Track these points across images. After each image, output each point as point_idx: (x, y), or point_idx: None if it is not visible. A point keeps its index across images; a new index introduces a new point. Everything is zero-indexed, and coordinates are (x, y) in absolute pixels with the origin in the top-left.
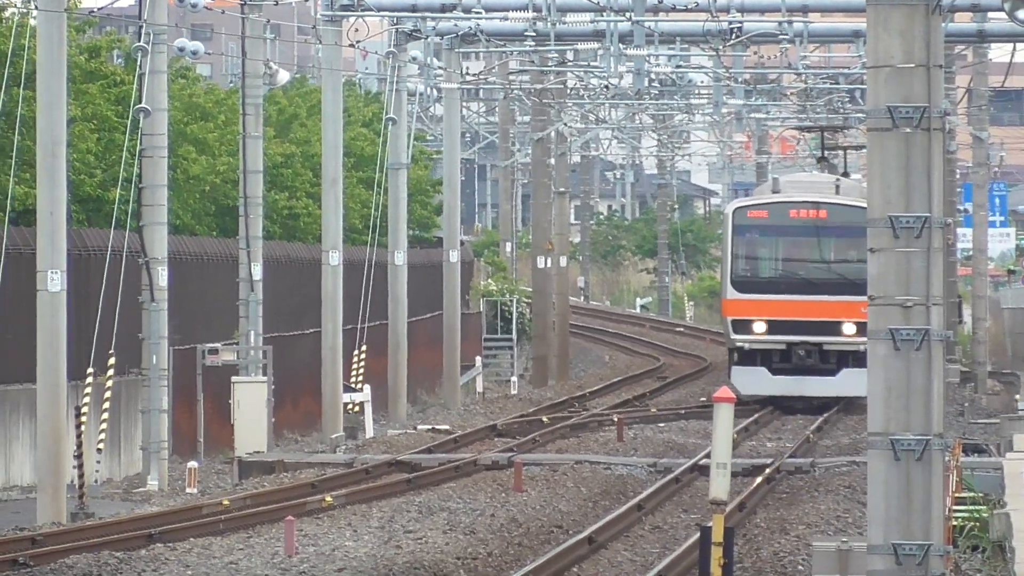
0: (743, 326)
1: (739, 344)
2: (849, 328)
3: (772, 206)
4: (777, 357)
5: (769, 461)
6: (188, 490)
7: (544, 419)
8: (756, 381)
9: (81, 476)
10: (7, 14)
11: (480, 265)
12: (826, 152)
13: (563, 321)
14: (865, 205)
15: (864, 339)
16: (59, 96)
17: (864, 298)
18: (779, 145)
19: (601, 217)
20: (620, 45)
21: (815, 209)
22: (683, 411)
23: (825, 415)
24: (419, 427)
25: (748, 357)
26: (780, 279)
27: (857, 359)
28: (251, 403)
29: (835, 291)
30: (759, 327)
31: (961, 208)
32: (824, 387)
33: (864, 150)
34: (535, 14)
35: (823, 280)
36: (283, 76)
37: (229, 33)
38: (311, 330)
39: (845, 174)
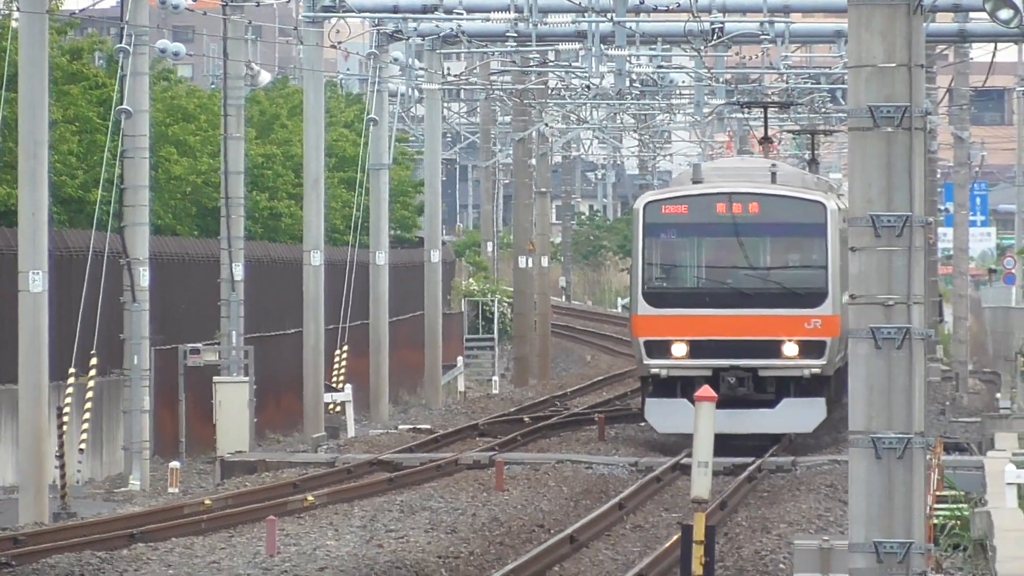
0: (658, 348)
1: (654, 371)
2: (790, 348)
3: (692, 199)
4: (702, 386)
5: (751, 460)
6: (170, 490)
7: (525, 419)
8: (676, 416)
9: (63, 476)
10: None
11: (462, 265)
12: (769, 133)
13: (544, 321)
14: (809, 196)
15: (811, 362)
16: (41, 98)
17: (809, 311)
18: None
19: (583, 217)
20: (602, 46)
21: (746, 202)
22: None
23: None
24: (401, 427)
25: (665, 387)
26: (704, 290)
27: (801, 387)
28: (233, 403)
29: (773, 303)
30: (678, 349)
31: (942, 207)
32: (760, 422)
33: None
34: (516, 15)
35: (758, 290)
36: (265, 77)
37: (211, 34)
38: (293, 330)
39: (813, 161)
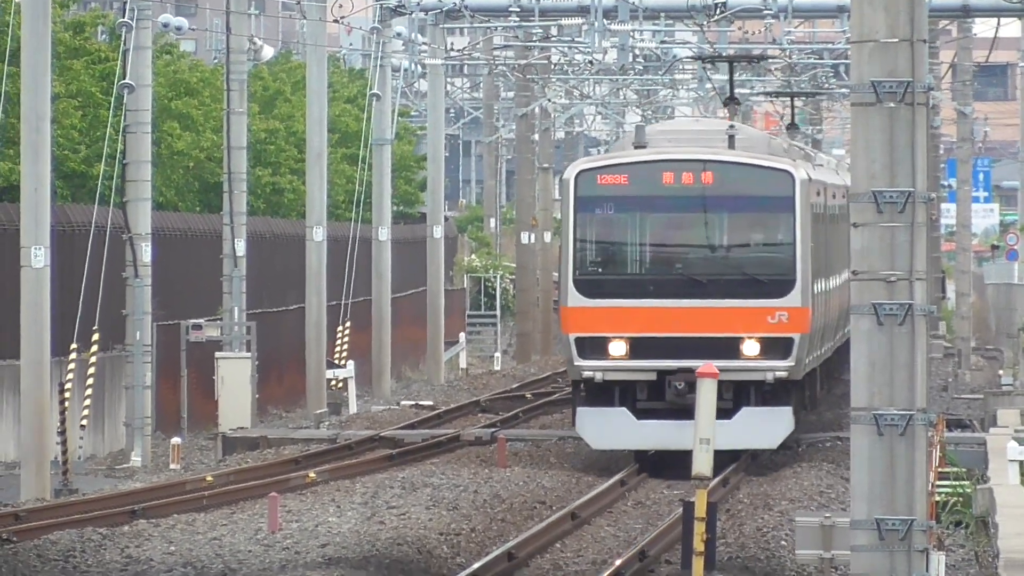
0: (593, 347)
1: (587, 374)
2: (751, 347)
3: (634, 168)
4: (644, 392)
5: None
6: (172, 466)
7: (528, 395)
8: (613, 428)
9: (65, 452)
10: None
11: (464, 241)
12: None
13: (547, 297)
14: (774, 164)
15: (775, 363)
16: (43, 72)
17: (774, 302)
18: (763, 120)
19: None
20: (604, 20)
21: (697, 171)
22: None
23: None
24: (403, 403)
25: (601, 393)
26: (647, 277)
27: (764, 393)
28: (235, 379)
29: (730, 293)
30: (617, 348)
31: (945, 183)
32: (715, 435)
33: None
34: None
35: (711, 277)
36: (267, 52)
37: (213, 8)
38: (295, 306)
39: (793, 125)
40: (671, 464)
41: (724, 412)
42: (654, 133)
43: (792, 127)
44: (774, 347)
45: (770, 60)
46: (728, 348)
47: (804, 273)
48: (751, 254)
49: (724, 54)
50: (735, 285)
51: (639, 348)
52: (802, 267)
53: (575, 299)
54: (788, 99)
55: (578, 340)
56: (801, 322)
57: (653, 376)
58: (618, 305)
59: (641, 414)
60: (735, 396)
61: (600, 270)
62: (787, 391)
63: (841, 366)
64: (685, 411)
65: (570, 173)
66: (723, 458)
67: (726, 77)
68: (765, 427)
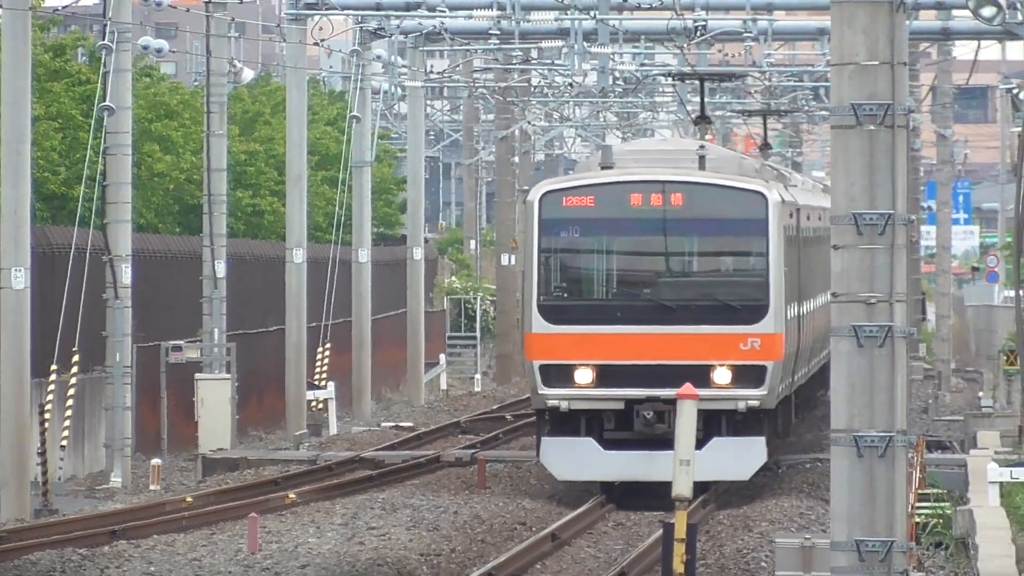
0: (558, 375)
1: (552, 403)
2: (722, 375)
3: (600, 189)
4: (611, 422)
5: None
6: (152, 487)
7: (508, 416)
8: (579, 459)
9: (45, 473)
10: None
11: (444, 263)
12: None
13: None
14: (746, 186)
15: (747, 392)
16: (23, 94)
17: (746, 328)
18: (744, 143)
19: None
20: (584, 43)
21: (667, 192)
22: None
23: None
24: (383, 424)
25: (566, 423)
26: (614, 302)
27: (736, 423)
28: (215, 400)
29: (700, 319)
30: (583, 376)
31: (925, 205)
32: None
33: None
34: (499, 12)
35: (681, 303)
36: (247, 74)
37: (194, 31)
38: (275, 327)
39: (766, 145)
40: (640, 495)
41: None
42: (622, 153)
43: (765, 146)
44: (746, 375)
45: (748, 81)
46: (698, 376)
47: (777, 298)
48: (722, 279)
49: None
50: (706, 311)
51: (606, 376)
52: (775, 292)
53: (539, 325)
54: (764, 119)
55: (542, 368)
56: (774, 349)
57: (621, 405)
58: (584, 332)
59: (608, 444)
60: (705, 426)
61: (565, 295)
62: (760, 420)
63: (818, 389)
64: (654, 441)
65: (534, 195)
66: (695, 486)
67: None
68: (737, 458)
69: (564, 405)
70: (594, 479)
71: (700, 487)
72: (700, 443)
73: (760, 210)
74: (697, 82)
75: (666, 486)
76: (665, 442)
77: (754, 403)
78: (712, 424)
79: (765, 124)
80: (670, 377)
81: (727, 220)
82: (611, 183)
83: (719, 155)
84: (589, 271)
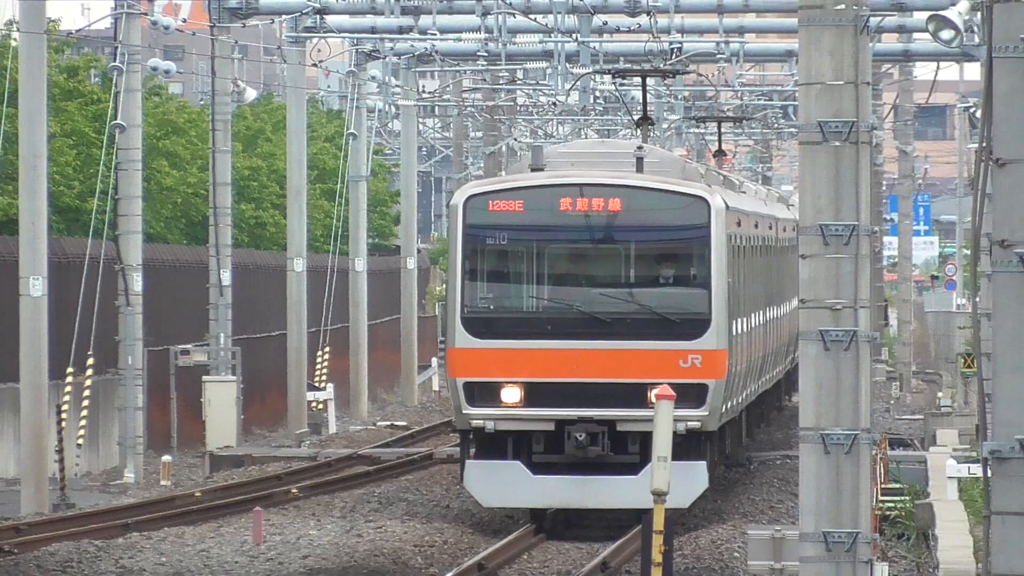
0: (483, 393)
1: (477, 423)
2: None
3: (530, 193)
4: (541, 444)
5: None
6: (162, 482)
7: None
8: (506, 484)
9: (62, 469)
10: None
11: (436, 272)
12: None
13: None
14: (687, 190)
15: (687, 412)
16: (39, 113)
17: (686, 344)
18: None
19: None
20: (567, 64)
21: (604, 196)
22: None
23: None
24: (379, 423)
25: (492, 445)
26: (544, 315)
27: (674, 446)
28: (221, 401)
29: (637, 334)
30: (510, 395)
31: (887, 217)
32: (620, 493)
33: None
34: (487, 35)
35: (616, 316)
36: (250, 94)
37: (200, 53)
38: (277, 332)
39: (720, 152)
40: (572, 524)
41: (629, 467)
42: (554, 155)
43: (720, 153)
44: (686, 394)
45: (720, 99)
46: (634, 395)
47: (720, 312)
48: (661, 290)
49: (629, 65)
50: (643, 325)
51: (535, 395)
52: (718, 305)
53: (463, 339)
54: (718, 126)
55: (466, 385)
56: (717, 367)
57: (551, 426)
58: (511, 347)
59: (537, 468)
60: (642, 449)
61: (491, 307)
62: (701, 443)
63: (773, 405)
64: (587, 465)
65: (458, 198)
66: (632, 514)
67: (680, 117)
68: (675, 484)
69: (490, 425)
70: (522, 505)
71: (638, 514)
72: (635, 468)
73: (702, 216)
74: (680, 104)
75: (600, 513)
76: (598, 466)
77: (694, 424)
78: (649, 447)
79: (720, 131)
80: (604, 396)
81: (666, 227)
82: (540, 186)
83: (660, 158)
84: (517, 281)
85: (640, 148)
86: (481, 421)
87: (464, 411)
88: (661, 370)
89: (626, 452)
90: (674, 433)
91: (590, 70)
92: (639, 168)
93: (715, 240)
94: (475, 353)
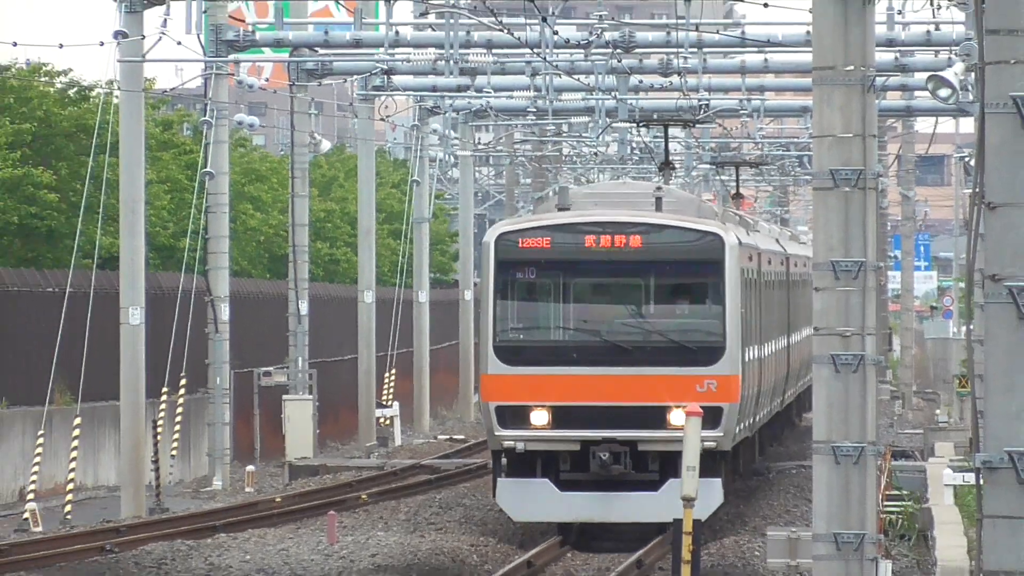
0: (514, 416)
1: (508, 444)
2: (678, 417)
3: (556, 231)
4: (568, 463)
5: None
6: (246, 489)
7: None
8: (535, 500)
9: (157, 478)
10: (94, 93)
11: None
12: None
13: None
14: (702, 227)
15: (704, 433)
16: (138, 162)
17: (702, 370)
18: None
19: None
20: (607, 119)
21: (626, 234)
22: None
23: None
24: (439, 437)
25: (522, 464)
26: (570, 344)
27: None
28: (299, 417)
29: (656, 361)
30: (539, 417)
31: (892, 254)
32: (641, 508)
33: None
34: (536, 93)
35: (637, 344)
36: (325, 145)
37: (280, 109)
38: (349, 356)
39: (737, 194)
40: (597, 537)
41: (650, 484)
42: (579, 195)
43: (737, 196)
44: (703, 417)
45: (706, 124)
46: (654, 418)
47: (734, 340)
48: (678, 320)
49: (656, 116)
50: (662, 352)
51: (562, 417)
52: (732, 333)
53: (495, 366)
54: (736, 170)
55: (498, 409)
56: (730, 391)
57: (576, 446)
58: (540, 373)
59: (564, 485)
60: (661, 467)
61: (521, 336)
62: (716, 462)
63: (785, 426)
64: (610, 483)
65: (490, 236)
66: (653, 527)
67: (708, 163)
68: None
69: (520, 446)
70: (550, 520)
71: (658, 527)
72: (656, 484)
73: (717, 252)
74: (708, 154)
75: (624, 527)
76: (621, 484)
77: (710, 444)
78: (668, 465)
79: (738, 175)
80: (626, 418)
81: (683, 261)
82: (566, 224)
83: (677, 198)
84: (545, 312)
85: (659, 188)
86: (512, 442)
87: (496, 433)
88: (679, 394)
89: (647, 470)
90: None
91: (611, 121)
92: (658, 207)
93: (729, 273)
94: (506, 379)
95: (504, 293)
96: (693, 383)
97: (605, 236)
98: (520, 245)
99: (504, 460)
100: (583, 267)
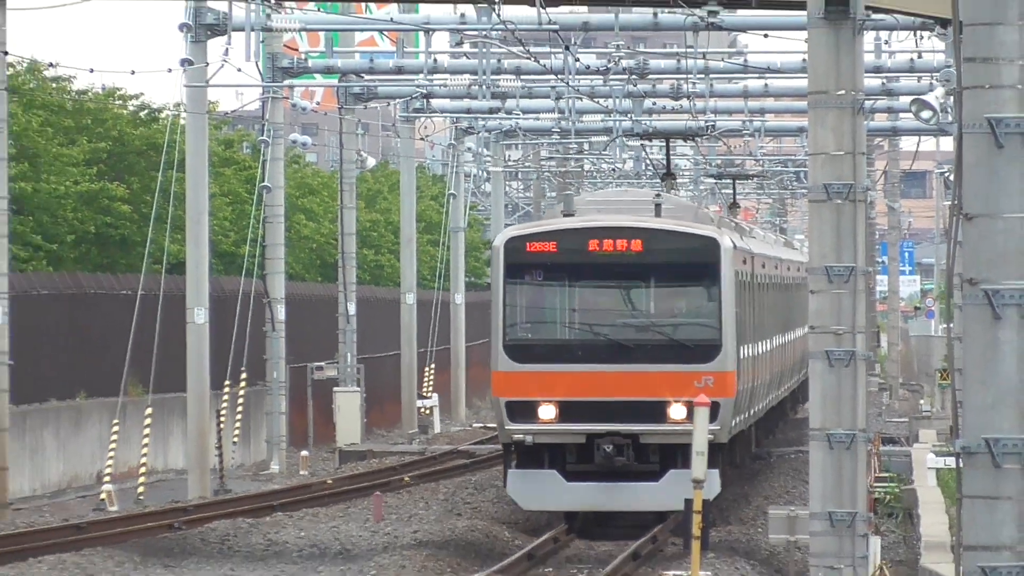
0: (523, 411)
1: (517, 437)
2: (678, 411)
3: (562, 235)
4: (574, 455)
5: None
6: (301, 472)
7: None
8: (543, 490)
9: (221, 462)
10: (163, 115)
11: None
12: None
13: None
14: (700, 231)
15: None
16: (202, 177)
17: (700, 367)
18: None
19: None
20: (623, 138)
21: (627, 238)
22: None
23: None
24: (474, 425)
25: (531, 456)
26: (575, 342)
27: (690, 456)
28: (348, 407)
29: (657, 358)
30: (546, 412)
31: (879, 260)
32: (642, 497)
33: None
34: (560, 115)
35: (639, 343)
36: (371, 162)
37: (330, 129)
38: (392, 352)
39: (735, 204)
40: (601, 524)
41: (651, 475)
42: (583, 203)
43: (734, 205)
44: None
45: (705, 139)
46: (655, 412)
47: (730, 338)
48: (677, 319)
49: (660, 130)
50: (662, 350)
51: (568, 412)
52: (728, 332)
53: (505, 364)
54: (733, 182)
55: (508, 404)
56: (727, 386)
57: (582, 439)
58: (547, 370)
59: (570, 476)
60: (662, 459)
61: (529, 335)
62: (713, 454)
63: (780, 420)
64: (614, 473)
65: (499, 241)
66: (654, 515)
67: (715, 180)
68: (692, 489)
69: (529, 439)
70: (557, 508)
71: (658, 516)
72: (657, 475)
73: (713, 254)
74: (713, 169)
75: (626, 515)
76: (623, 474)
77: (708, 437)
78: (668, 457)
79: (734, 187)
80: (628, 413)
81: (681, 264)
82: (571, 229)
83: (676, 204)
84: (552, 313)
85: (658, 196)
86: (521, 435)
87: (506, 427)
88: (678, 390)
89: (648, 462)
90: (689, 445)
91: (619, 134)
92: (657, 213)
93: (724, 275)
94: (515, 376)
95: (513, 294)
96: (691, 379)
97: (608, 240)
98: (528, 249)
99: (514, 452)
100: (587, 269)
